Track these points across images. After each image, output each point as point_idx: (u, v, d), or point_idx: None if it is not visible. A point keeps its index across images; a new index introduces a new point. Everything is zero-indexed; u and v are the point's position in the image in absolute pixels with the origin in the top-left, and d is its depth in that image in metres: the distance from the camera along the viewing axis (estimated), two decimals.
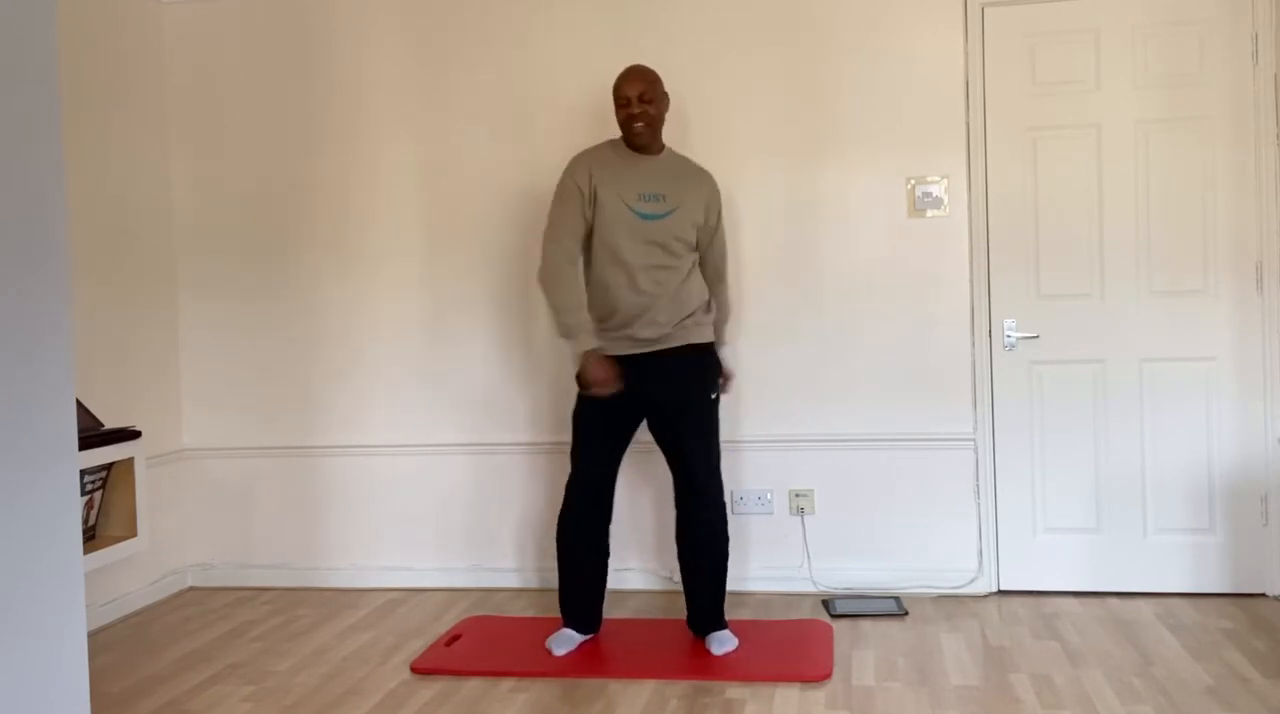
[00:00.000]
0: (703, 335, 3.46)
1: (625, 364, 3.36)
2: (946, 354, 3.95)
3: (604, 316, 3.38)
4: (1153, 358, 3.85)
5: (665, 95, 3.44)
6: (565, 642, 3.44)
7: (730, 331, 4.03)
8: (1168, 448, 3.85)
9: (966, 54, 3.91)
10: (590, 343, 3.31)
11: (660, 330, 3.36)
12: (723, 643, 3.40)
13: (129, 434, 3.76)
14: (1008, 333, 3.91)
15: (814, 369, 4.02)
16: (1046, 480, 3.92)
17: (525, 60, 4.15)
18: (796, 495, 4.04)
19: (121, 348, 4.07)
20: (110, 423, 3.84)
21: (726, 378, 3.59)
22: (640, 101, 3.32)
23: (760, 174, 4.02)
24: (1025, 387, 3.92)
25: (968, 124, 3.91)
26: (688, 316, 3.40)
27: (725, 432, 4.04)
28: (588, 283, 3.40)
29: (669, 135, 3.89)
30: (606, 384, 3.30)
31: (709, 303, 3.51)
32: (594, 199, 3.33)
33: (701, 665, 3.27)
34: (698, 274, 3.47)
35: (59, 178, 1.78)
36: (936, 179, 3.94)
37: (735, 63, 4.03)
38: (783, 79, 4.01)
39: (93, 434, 3.59)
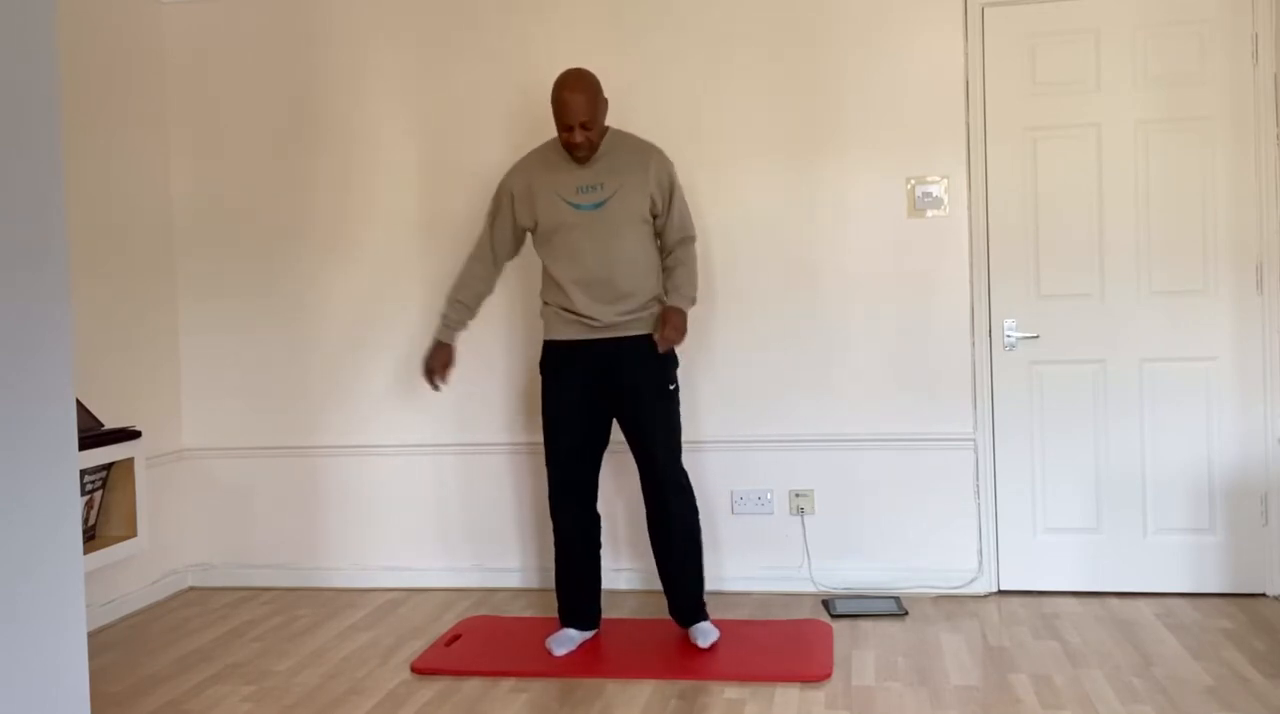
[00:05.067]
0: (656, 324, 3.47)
1: (584, 350, 3.40)
2: (946, 354, 3.95)
3: (564, 306, 3.42)
4: (1153, 358, 3.85)
5: (604, 104, 3.41)
6: (565, 641, 3.45)
7: (728, 329, 4.05)
8: (1168, 448, 3.85)
9: (966, 54, 3.91)
10: (443, 334, 3.54)
11: (613, 316, 3.37)
12: (707, 635, 3.42)
13: (129, 434, 3.77)
14: (1008, 333, 3.91)
15: (814, 369, 4.02)
16: (1046, 480, 3.92)
17: (525, 59, 4.15)
18: (796, 495, 4.04)
19: (121, 348, 4.07)
20: (110, 423, 3.84)
21: (673, 328, 3.38)
22: (582, 129, 3.31)
23: (760, 174, 4.02)
24: (1025, 387, 3.91)
25: (968, 124, 3.91)
26: (643, 305, 3.42)
27: (725, 431, 4.06)
28: (547, 278, 3.48)
29: (675, 134, 3.90)
30: (432, 374, 3.53)
31: (661, 294, 3.49)
32: (531, 201, 3.43)
33: (701, 665, 3.27)
34: (654, 259, 3.47)
35: (59, 178, 1.78)
36: (936, 179, 3.94)
37: (735, 63, 4.03)
38: (783, 79, 4.01)
39: (93, 434, 3.59)
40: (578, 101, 3.30)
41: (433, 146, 4.23)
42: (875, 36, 3.95)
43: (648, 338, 3.42)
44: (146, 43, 4.27)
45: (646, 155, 3.46)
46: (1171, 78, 3.80)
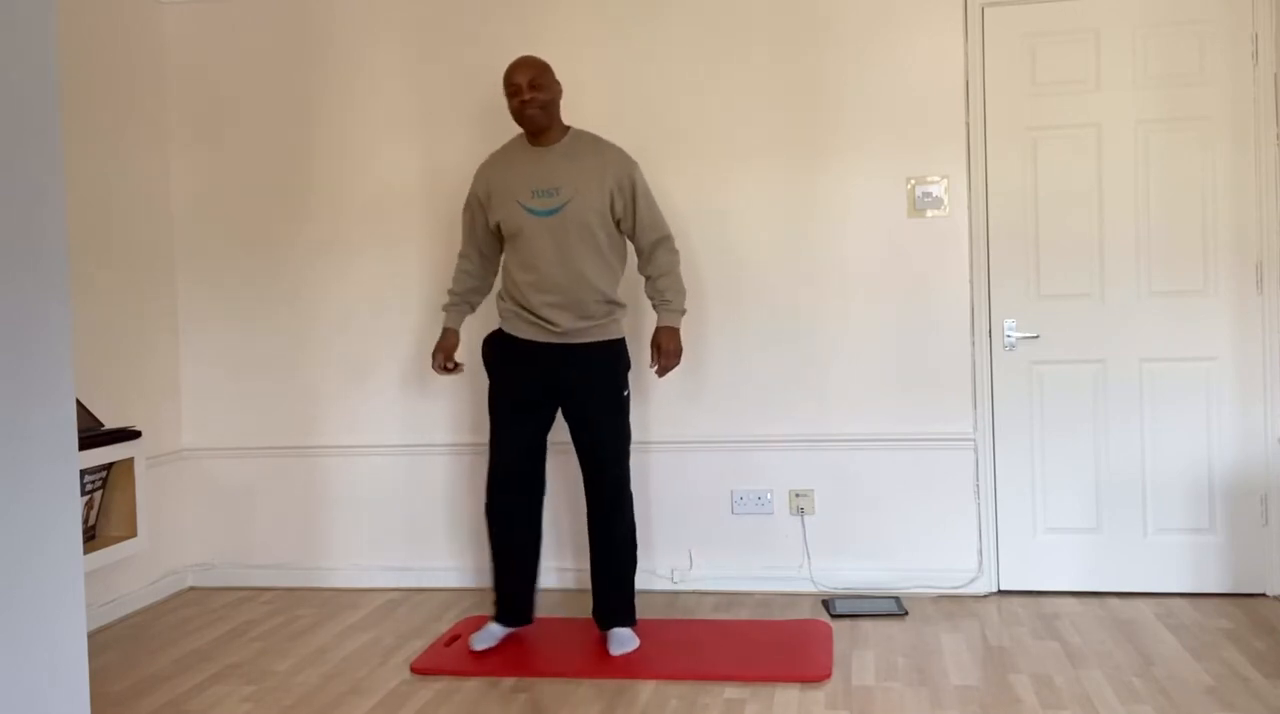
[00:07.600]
0: (615, 332, 3.46)
1: (539, 350, 3.40)
2: (946, 354, 3.95)
3: (524, 305, 3.41)
4: (1153, 358, 3.85)
5: (557, 83, 3.43)
6: (487, 637, 3.44)
7: (729, 329, 4.05)
8: (1168, 448, 3.85)
9: (966, 54, 3.91)
10: (445, 322, 3.62)
11: (573, 321, 3.36)
12: (624, 643, 3.39)
13: (129, 434, 3.77)
14: (1008, 333, 3.91)
15: (814, 369, 4.02)
16: (1046, 480, 3.92)
17: None
18: (796, 495, 4.04)
19: (121, 348, 4.07)
20: (110, 423, 3.84)
21: (669, 356, 3.46)
22: (530, 88, 3.33)
23: (761, 174, 4.02)
24: (1025, 387, 3.91)
25: (968, 124, 3.91)
26: (600, 313, 3.39)
27: (725, 431, 4.06)
28: (507, 275, 3.47)
29: (676, 134, 3.91)
30: (436, 358, 3.59)
31: (619, 299, 3.47)
32: (491, 204, 3.44)
33: (701, 666, 3.26)
34: (615, 266, 3.45)
35: (59, 177, 1.78)
36: (936, 179, 3.94)
37: (736, 64, 4.03)
38: (783, 79, 4.01)
39: (93, 434, 3.59)
40: (525, 60, 3.38)
41: (432, 146, 4.23)
42: (875, 36, 3.95)
43: (603, 346, 3.41)
44: (147, 43, 4.27)
45: (603, 156, 3.40)
46: (1171, 78, 3.80)
